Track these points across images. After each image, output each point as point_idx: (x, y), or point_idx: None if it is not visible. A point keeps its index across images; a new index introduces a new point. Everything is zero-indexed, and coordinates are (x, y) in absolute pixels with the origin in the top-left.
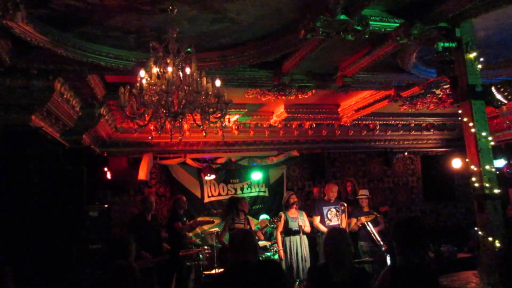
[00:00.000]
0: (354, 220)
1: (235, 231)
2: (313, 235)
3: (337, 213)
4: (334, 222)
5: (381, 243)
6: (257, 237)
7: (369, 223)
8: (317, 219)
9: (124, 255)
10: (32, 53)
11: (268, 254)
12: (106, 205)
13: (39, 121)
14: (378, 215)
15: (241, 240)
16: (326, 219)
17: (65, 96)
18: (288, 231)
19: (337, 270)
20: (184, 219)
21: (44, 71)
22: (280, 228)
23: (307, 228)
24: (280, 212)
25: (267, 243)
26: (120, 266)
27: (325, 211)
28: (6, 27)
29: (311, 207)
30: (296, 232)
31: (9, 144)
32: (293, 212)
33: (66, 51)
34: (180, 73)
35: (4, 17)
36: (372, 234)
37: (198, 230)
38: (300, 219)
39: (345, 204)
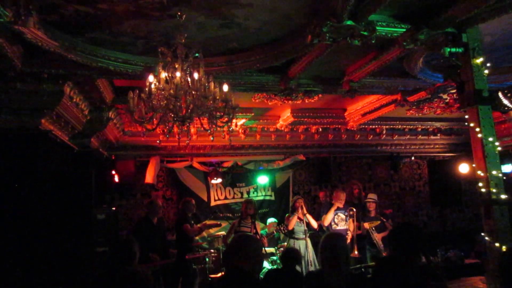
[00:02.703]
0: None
1: (235, 236)
2: (318, 239)
3: (345, 218)
4: (341, 227)
5: (382, 248)
6: (262, 243)
7: (373, 228)
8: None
9: (129, 259)
10: (42, 57)
11: (274, 258)
12: (113, 208)
13: (49, 124)
14: (384, 220)
15: (235, 246)
16: (333, 223)
17: (74, 100)
18: (293, 235)
19: (333, 276)
20: (192, 222)
21: (54, 75)
22: (293, 223)
23: (314, 223)
24: (287, 214)
25: (273, 249)
26: (128, 272)
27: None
28: (18, 32)
29: (318, 212)
30: (302, 237)
31: (19, 147)
32: (300, 215)
33: (76, 56)
34: (188, 78)
35: (16, 22)
36: (374, 240)
37: (204, 233)
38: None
39: (354, 209)
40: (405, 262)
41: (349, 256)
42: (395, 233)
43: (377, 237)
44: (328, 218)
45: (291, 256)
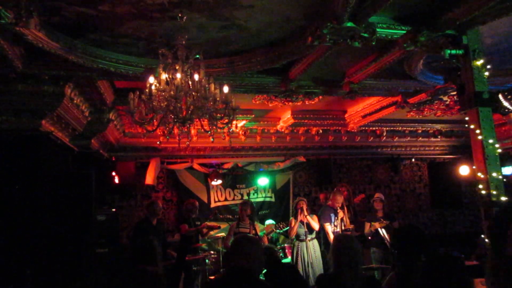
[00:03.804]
0: (367, 226)
1: (236, 237)
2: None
3: (340, 218)
4: (339, 228)
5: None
6: (262, 243)
7: (382, 229)
8: (328, 227)
9: (151, 261)
10: (43, 59)
11: None
12: (113, 209)
13: (49, 126)
14: (387, 222)
15: (236, 246)
16: (333, 226)
17: (75, 102)
18: (295, 237)
19: (350, 279)
20: (198, 223)
21: (55, 76)
22: (294, 231)
23: (315, 224)
24: (291, 218)
25: (271, 245)
26: (147, 273)
27: (332, 218)
28: (19, 34)
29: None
30: (303, 238)
31: (20, 148)
32: (301, 217)
33: (77, 57)
34: (189, 80)
35: (18, 24)
36: (386, 241)
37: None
38: (306, 223)
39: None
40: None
41: (361, 257)
42: (397, 235)
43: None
44: (328, 228)
45: (271, 252)
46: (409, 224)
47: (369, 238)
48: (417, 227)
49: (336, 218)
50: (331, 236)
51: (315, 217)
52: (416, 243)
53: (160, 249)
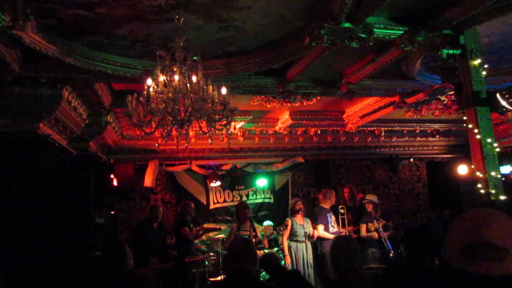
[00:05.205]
0: (363, 226)
1: (234, 239)
2: (315, 242)
3: (335, 220)
4: (336, 228)
5: (390, 248)
6: (262, 245)
7: (381, 228)
8: (321, 228)
9: (122, 260)
10: (40, 62)
11: None
12: (112, 212)
13: (47, 128)
14: (385, 222)
15: (239, 249)
16: (330, 226)
17: (72, 104)
18: (295, 238)
19: (357, 281)
20: (191, 225)
21: (52, 79)
22: (287, 234)
23: (316, 234)
24: (287, 219)
25: (272, 251)
26: (128, 273)
27: (329, 219)
28: (16, 37)
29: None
30: (302, 239)
31: (17, 151)
32: (299, 219)
33: (74, 60)
34: (187, 81)
35: (14, 27)
36: (383, 240)
37: (203, 237)
38: (305, 227)
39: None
40: (416, 267)
41: (362, 257)
42: (409, 234)
43: (385, 235)
44: (320, 230)
45: (272, 259)
46: (422, 224)
47: (365, 238)
48: (429, 228)
49: (331, 217)
50: (328, 236)
51: (309, 221)
52: (427, 243)
53: (129, 251)
